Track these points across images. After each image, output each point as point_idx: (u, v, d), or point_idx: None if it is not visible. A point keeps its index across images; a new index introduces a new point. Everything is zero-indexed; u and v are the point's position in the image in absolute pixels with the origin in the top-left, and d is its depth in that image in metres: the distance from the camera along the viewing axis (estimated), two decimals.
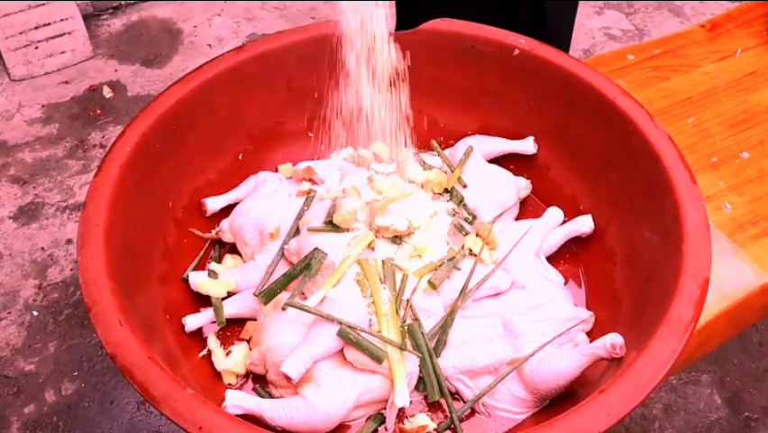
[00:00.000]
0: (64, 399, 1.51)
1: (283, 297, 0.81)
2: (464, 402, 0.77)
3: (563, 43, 1.23)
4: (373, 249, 0.83)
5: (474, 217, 0.90)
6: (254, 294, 0.83)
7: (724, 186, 1.02)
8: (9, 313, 1.66)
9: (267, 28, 2.49)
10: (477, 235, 0.86)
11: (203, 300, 0.86)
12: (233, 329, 0.84)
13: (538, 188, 0.99)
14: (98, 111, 2.17)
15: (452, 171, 0.95)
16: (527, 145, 0.98)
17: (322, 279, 0.80)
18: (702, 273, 0.70)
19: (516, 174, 0.97)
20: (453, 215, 0.89)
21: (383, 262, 0.82)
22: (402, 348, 0.75)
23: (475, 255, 0.85)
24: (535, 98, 0.97)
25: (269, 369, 0.77)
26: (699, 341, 0.87)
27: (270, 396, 0.78)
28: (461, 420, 0.75)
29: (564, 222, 0.92)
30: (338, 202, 0.86)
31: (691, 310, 0.67)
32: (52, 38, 2.25)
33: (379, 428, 0.76)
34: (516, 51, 0.94)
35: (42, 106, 2.18)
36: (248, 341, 0.83)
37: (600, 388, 0.63)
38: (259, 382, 0.80)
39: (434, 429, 0.74)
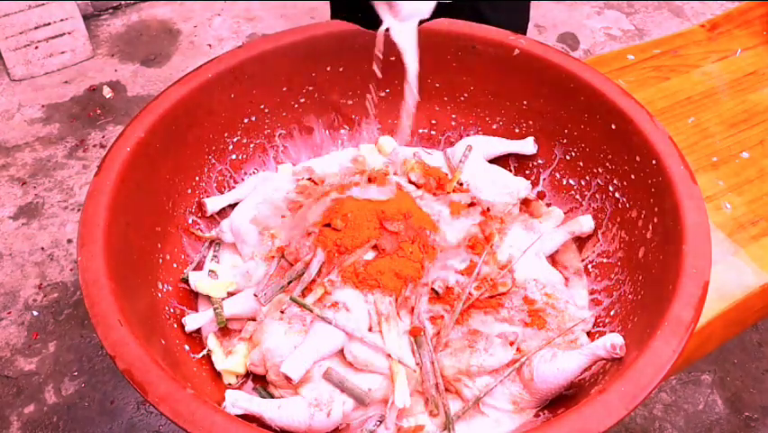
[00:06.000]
0: (64, 399, 1.51)
1: (283, 297, 0.81)
2: (464, 402, 0.77)
3: None
4: (376, 251, 0.83)
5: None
6: (254, 294, 0.83)
7: (724, 186, 1.02)
8: (9, 313, 1.66)
9: (267, 28, 2.49)
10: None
11: (203, 300, 0.86)
12: (233, 329, 0.84)
13: (538, 187, 0.99)
14: (98, 111, 2.17)
15: (453, 172, 0.95)
16: (527, 145, 0.98)
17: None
18: (702, 273, 0.70)
19: (516, 174, 0.97)
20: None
21: (386, 265, 0.82)
22: (402, 352, 0.75)
23: (477, 256, 0.85)
24: (535, 98, 0.97)
25: (268, 369, 0.77)
26: (699, 341, 0.87)
27: (270, 396, 0.78)
28: (461, 419, 0.75)
29: (564, 222, 0.92)
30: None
31: (691, 311, 0.67)
32: (52, 38, 2.25)
33: (379, 429, 0.75)
34: (516, 51, 0.94)
35: (42, 106, 2.18)
36: (248, 341, 0.83)
37: (600, 388, 0.63)
38: (259, 382, 0.80)
39: (433, 430, 0.74)
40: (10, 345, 1.61)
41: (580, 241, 0.92)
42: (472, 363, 0.75)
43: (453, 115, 1.04)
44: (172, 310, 0.83)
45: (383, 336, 0.76)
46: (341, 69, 1.00)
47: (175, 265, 0.87)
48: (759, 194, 1.01)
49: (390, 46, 0.98)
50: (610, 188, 0.90)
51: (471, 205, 0.92)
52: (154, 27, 2.50)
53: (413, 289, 0.80)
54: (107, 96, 2.22)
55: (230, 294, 0.85)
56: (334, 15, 1.13)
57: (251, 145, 1.00)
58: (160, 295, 0.82)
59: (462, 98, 1.03)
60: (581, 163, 0.95)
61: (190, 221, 0.92)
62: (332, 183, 0.94)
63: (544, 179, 0.99)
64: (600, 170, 0.92)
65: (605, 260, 0.89)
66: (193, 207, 0.93)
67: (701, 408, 1.50)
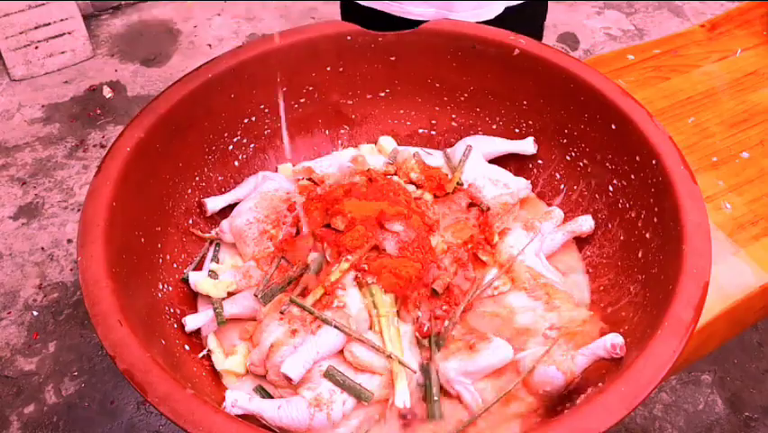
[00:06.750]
0: (64, 399, 1.51)
1: (283, 297, 0.81)
2: (463, 406, 0.77)
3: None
4: (376, 252, 0.83)
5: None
6: (254, 294, 0.83)
7: (724, 186, 1.02)
8: (9, 313, 1.66)
9: (267, 28, 2.49)
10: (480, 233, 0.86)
11: (203, 300, 0.86)
12: (233, 329, 0.84)
13: (538, 187, 0.99)
14: (98, 111, 2.18)
15: (453, 172, 0.95)
16: (527, 145, 0.98)
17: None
18: (702, 274, 0.70)
19: (516, 174, 0.97)
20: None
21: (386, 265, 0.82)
22: (401, 354, 0.75)
23: (476, 256, 0.85)
24: (535, 98, 0.97)
25: (269, 369, 0.77)
26: (699, 341, 0.87)
27: (270, 396, 0.78)
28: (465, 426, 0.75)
29: (564, 222, 0.92)
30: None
31: (691, 311, 0.67)
32: (52, 38, 2.25)
33: (378, 428, 0.75)
34: (516, 51, 0.94)
35: (42, 106, 2.18)
36: (248, 341, 0.83)
37: (600, 388, 0.63)
38: (259, 382, 0.80)
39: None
40: (10, 345, 1.61)
41: (580, 241, 0.92)
42: (473, 363, 0.75)
43: (453, 115, 1.04)
44: (172, 310, 0.83)
45: (383, 337, 0.76)
46: (341, 69, 1.00)
47: (175, 265, 0.87)
48: (759, 194, 1.01)
49: (390, 46, 0.98)
50: (610, 189, 0.90)
51: (471, 205, 0.92)
52: (154, 27, 2.50)
53: (413, 288, 0.80)
54: (107, 97, 2.22)
55: (230, 294, 0.85)
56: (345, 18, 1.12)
57: (252, 145, 1.00)
58: (160, 295, 0.82)
59: (462, 98, 1.03)
60: (581, 163, 0.95)
61: (190, 221, 0.92)
62: (332, 183, 0.94)
63: (544, 180, 0.99)
64: (600, 171, 0.92)
65: (605, 260, 0.89)
66: (193, 208, 0.93)
67: (701, 408, 1.50)
